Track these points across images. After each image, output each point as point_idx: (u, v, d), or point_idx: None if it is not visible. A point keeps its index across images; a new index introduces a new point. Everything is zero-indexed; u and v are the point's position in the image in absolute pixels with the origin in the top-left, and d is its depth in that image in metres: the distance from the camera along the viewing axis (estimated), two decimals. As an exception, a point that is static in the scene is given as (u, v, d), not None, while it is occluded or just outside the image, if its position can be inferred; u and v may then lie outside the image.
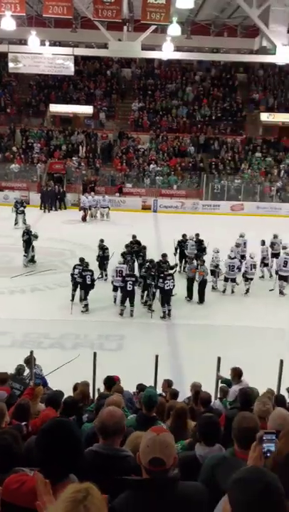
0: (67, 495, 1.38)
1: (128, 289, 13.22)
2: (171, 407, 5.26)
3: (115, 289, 13.96)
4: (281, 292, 15.36)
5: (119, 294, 13.78)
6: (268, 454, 2.04)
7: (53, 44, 26.02)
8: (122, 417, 2.69)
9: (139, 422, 4.02)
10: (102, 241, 16.07)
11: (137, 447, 2.16)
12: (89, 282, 13.58)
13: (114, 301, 14.07)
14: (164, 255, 15.14)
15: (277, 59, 19.74)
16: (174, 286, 13.56)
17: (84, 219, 24.01)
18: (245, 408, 5.01)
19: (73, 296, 13.89)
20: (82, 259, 14.12)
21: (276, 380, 8.13)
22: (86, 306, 13.62)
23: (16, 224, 21.27)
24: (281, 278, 15.35)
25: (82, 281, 13.62)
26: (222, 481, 2.41)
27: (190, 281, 14.67)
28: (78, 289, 13.85)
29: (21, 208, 21.74)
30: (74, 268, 13.88)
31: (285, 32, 18.75)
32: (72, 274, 13.82)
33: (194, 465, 2.97)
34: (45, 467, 1.87)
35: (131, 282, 13.25)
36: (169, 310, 13.61)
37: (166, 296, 13.51)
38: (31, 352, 7.93)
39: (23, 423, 4.02)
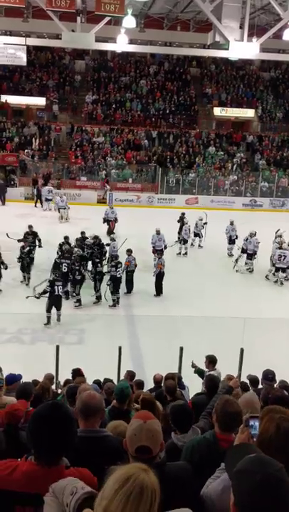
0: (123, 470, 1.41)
1: (55, 293, 12.49)
2: (138, 397, 5.29)
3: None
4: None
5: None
6: (254, 439, 2.09)
7: (4, 33, 25.38)
8: (101, 398, 2.74)
9: (111, 415, 4.02)
10: None
11: (117, 435, 2.15)
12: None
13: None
14: (83, 232, 16.35)
15: (230, 54, 19.94)
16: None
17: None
18: (211, 393, 5.12)
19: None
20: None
21: (236, 369, 8.35)
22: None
23: None
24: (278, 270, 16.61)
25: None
26: (200, 461, 2.45)
27: (158, 277, 14.85)
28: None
29: None
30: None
31: (237, 28, 18.99)
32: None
33: (175, 452, 3.01)
34: (41, 452, 1.84)
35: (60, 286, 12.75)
36: (118, 298, 14.00)
37: (118, 284, 13.94)
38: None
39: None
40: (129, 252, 15.12)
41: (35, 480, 1.87)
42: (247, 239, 17.42)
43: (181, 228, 19.45)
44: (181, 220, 19.83)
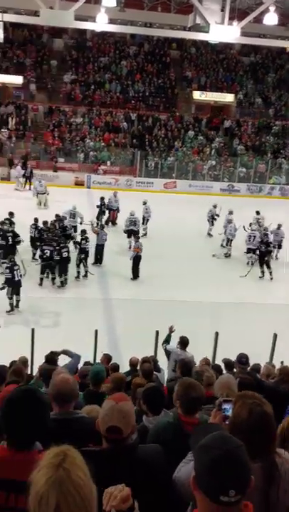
0: (45, 461, 1.36)
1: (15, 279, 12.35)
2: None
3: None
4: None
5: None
6: (226, 422, 2.11)
7: (-20, 8, 24.56)
8: (75, 383, 2.75)
9: (86, 398, 4.02)
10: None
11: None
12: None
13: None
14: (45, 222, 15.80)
15: (210, 37, 19.73)
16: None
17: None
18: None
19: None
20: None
21: (211, 351, 8.45)
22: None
23: None
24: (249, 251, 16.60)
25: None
26: (165, 445, 2.49)
27: (135, 260, 14.80)
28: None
29: None
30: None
31: (218, 10, 18.74)
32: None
33: (145, 434, 3.03)
34: (13, 436, 1.83)
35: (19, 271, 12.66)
36: (66, 279, 13.98)
37: (65, 265, 13.96)
38: None
39: None
40: (101, 227, 15.80)
41: (7, 465, 1.86)
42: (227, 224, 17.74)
43: (99, 215, 19.18)
44: (101, 206, 19.53)
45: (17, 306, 12.25)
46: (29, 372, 7.39)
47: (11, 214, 15.97)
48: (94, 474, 1.92)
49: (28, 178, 24.73)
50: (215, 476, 1.42)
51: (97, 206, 19.56)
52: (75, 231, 16.62)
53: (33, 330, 8.23)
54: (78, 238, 15.19)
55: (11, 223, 15.52)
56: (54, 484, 1.29)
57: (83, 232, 15.02)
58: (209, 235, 19.44)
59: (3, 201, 21.19)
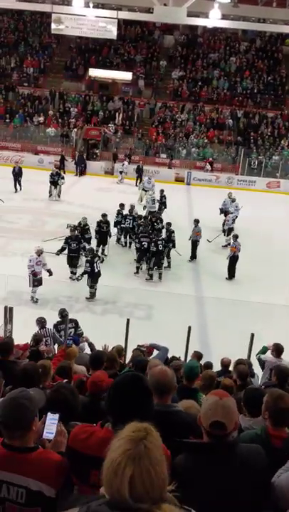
0: (127, 433, 1.39)
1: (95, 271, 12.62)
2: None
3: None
4: None
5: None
6: None
7: (96, 6, 25.41)
8: (173, 375, 2.76)
9: (179, 393, 4.04)
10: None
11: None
12: None
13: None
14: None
15: None
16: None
17: None
18: (282, 385, 4.99)
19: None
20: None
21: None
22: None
23: (50, 196, 20.86)
24: None
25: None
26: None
27: (232, 260, 14.61)
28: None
29: (60, 180, 21.12)
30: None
31: None
32: None
33: (239, 432, 2.98)
34: (118, 420, 1.89)
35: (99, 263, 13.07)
36: (160, 273, 14.18)
37: (159, 259, 14.05)
38: (67, 314, 8.07)
39: (65, 381, 4.11)
40: (196, 222, 15.53)
41: None
42: None
43: (160, 208, 18.63)
44: (161, 199, 19.03)
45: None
46: (123, 361, 7.57)
47: (122, 206, 16.49)
48: (192, 466, 1.93)
49: (139, 174, 25.04)
50: None
51: (156, 201, 19.10)
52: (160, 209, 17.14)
53: (128, 320, 8.42)
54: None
55: (119, 214, 16.20)
56: (132, 457, 1.33)
57: (169, 224, 15.19)
58: None
59: (107, 194, 21.95)
